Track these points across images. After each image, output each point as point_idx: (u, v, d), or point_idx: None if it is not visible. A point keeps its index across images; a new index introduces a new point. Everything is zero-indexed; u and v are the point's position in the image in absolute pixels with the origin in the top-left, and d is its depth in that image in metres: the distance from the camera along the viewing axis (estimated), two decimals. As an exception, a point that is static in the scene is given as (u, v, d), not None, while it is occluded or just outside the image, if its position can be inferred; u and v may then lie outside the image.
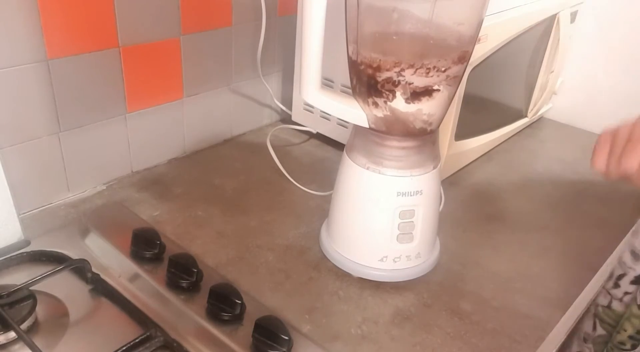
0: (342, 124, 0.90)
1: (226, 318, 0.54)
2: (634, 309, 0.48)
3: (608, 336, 0.51)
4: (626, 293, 0.51)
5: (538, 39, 0.93)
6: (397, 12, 0.55)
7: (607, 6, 1.01)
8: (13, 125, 0.65)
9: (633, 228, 0.63)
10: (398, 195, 0.60)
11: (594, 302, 0.53)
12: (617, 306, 0.51)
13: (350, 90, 0.61)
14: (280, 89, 1.00)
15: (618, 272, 0.52)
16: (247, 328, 0.53)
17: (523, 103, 1.01)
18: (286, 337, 0.51)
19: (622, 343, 0.49)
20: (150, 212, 0.73)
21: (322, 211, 0.73)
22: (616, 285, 0.52)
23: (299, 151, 0.93)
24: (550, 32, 0.94)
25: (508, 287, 0.65)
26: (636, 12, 0.99)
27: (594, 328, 0.52)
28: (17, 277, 0.57)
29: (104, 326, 0.54)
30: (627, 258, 0.50)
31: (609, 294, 0.52)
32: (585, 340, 0.53)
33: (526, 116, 1.04)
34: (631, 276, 0.50)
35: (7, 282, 0.55)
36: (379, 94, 0.57)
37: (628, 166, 0.50)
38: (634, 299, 0.48)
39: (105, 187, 0.78)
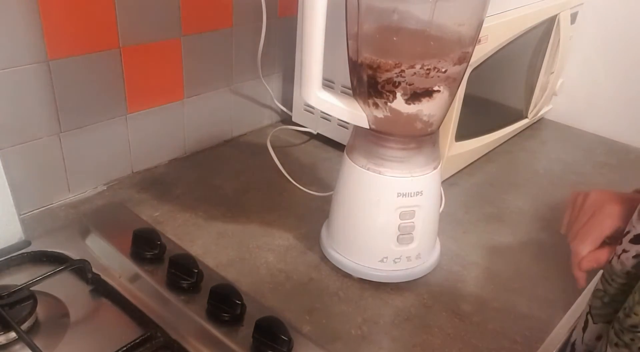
0: (343, 124, 0.90)
1: (226, 319, 0.54)
2: None
3: (603, 291, 0.53)
4: (624, 251, 0.51)
5: (538, 40, 0.93)
6: (397, 13, 0.55)
7: (607, 7, 1.01)
8: (14, 126, 0.65)
9: None
10: (398, 196, 0.60)
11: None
12: (615, 262, 0.52)
13: (350, 91, 0.62)
14: (280, 90, 1.00)
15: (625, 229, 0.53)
16: (247, 329, 0.53)
17: (523, 104, 1.01)
18: (286, 338, 0.51)
19: (635, 326, 0.49)
20: (150, 213, 0.73)
21: (322, 211, 0.73)
22: (619, 242, 0.53)
23: (299, 152, 0.93)
24: (551, 33, 0.94)
25: (508, 287, 0.65)
26: (636, 13, 0.99)
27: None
28: (17, 278, 0.57)
29: (105, 326, 0.54)
30: (635, 217, 0.51)
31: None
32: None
33: (526, 117, 1.04)
34: (632, 234, 0.51)
35: (7, 282, 0.55)
36: (379, 94, 0.57)
37: (578, 251, 0.59)
38: None
39: (105, 188, 0.78)
